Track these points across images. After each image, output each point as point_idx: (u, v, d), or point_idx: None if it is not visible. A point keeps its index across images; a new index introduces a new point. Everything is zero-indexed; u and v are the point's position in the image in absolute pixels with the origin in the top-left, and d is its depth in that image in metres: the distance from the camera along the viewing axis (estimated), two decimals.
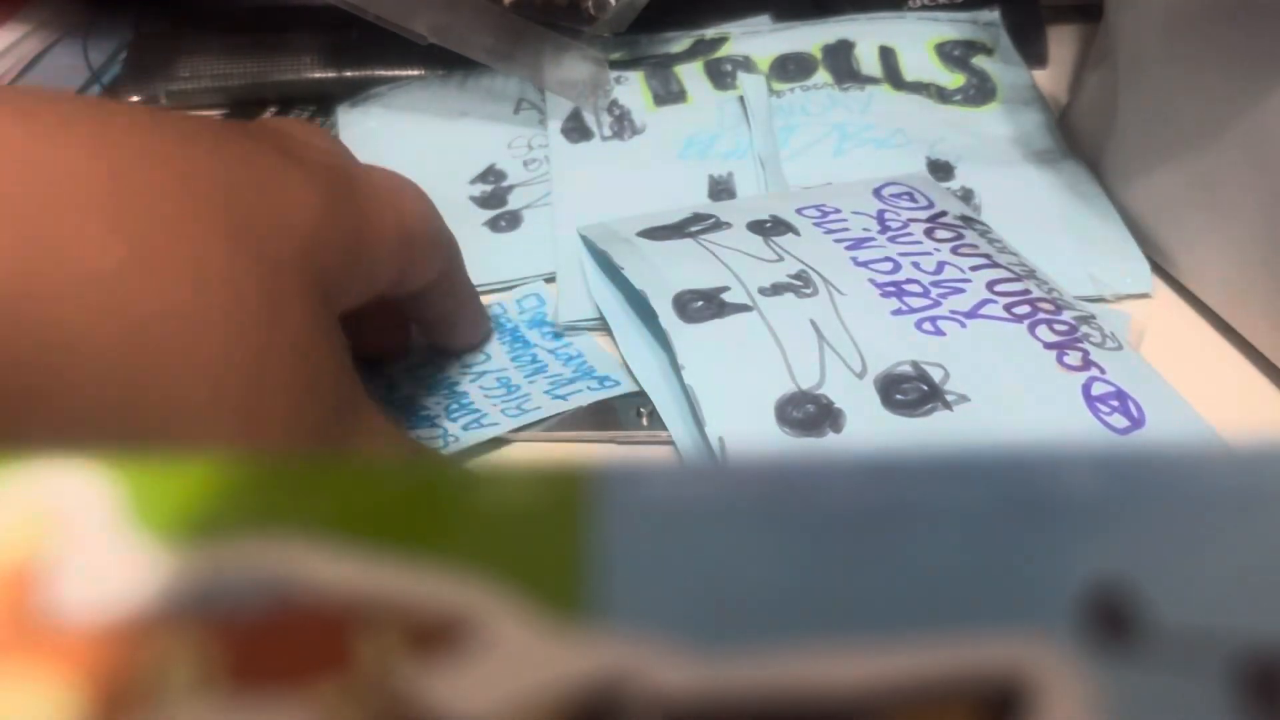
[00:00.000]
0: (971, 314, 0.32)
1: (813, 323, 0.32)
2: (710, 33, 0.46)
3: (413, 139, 0.43)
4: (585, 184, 0.40)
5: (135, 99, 0.45)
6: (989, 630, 0.10)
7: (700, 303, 0.32)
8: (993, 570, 0.10)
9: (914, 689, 0.10)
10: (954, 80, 0.45)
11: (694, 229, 0.36)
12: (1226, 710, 0.09)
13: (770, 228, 0.36)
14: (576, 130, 0.43)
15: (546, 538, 0.10)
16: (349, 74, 0.45)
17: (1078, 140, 0.42)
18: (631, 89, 0.44)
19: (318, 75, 0.46)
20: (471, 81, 0.45)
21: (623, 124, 0.43)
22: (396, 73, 0.45)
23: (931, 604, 0.10)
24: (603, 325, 0.35)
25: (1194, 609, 0.10)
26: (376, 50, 0.45)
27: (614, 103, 0.44)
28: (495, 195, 0.41)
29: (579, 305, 0.36)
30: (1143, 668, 0.10)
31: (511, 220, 0.40)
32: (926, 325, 0.32)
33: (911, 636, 0.10)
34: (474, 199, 0.41)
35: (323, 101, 0.45)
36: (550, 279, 0.37)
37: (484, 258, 0.37)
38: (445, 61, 0.44)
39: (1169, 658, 0.10)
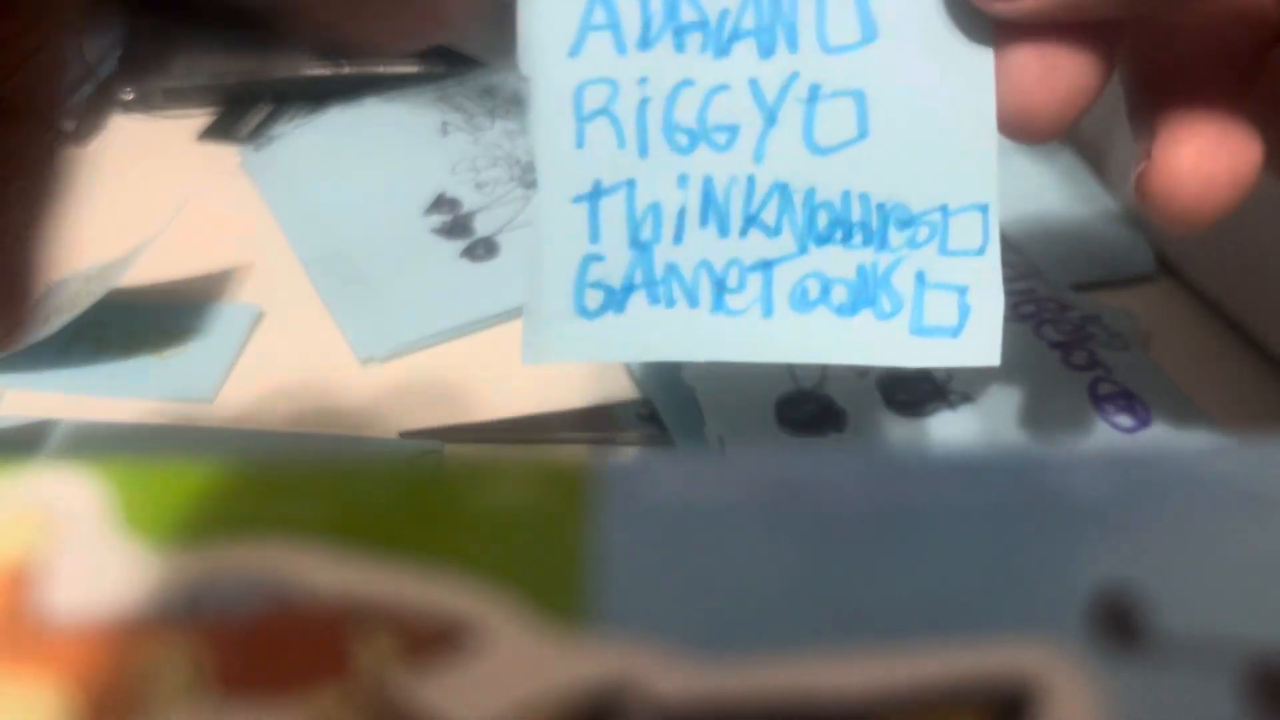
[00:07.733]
0: None
1: None
2: None
3: (342, 179, 0.41)
4: None
5: (130, 96, 0.45)
6: (996, 635, 0.10)
7: None
8: (1000, 574, 0.10)
9: (920, 695, 0.09)
10: None
11: None
12: (1233, 715, 0.09)
13: None
14: None
15: (545, 539, 0.10)
16: (346, 71, 0.45)
17: (1077, 133, 0.42)
18: None
19: (314, 72, 0.45)
20: (379, 110, 0.44)
21: None
22: (393, 70, 0.45)
23: (937, 608, 0.10)
24: None
25: (1201, 613, 0.10)
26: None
27: None
28: (458, 224, 0.39)
29: None
30: (1151, 673, 0.10)
31: (488, 248, 0.38)
32: None
33: (917, 642, 0.10)
34: (435, 231, 0.39)
35: (318, 99, 0.45)
36: None
37: (471, 289, 0.36)
38: (442, 59, 0.44)
39: (1176, 663, 0.10)
